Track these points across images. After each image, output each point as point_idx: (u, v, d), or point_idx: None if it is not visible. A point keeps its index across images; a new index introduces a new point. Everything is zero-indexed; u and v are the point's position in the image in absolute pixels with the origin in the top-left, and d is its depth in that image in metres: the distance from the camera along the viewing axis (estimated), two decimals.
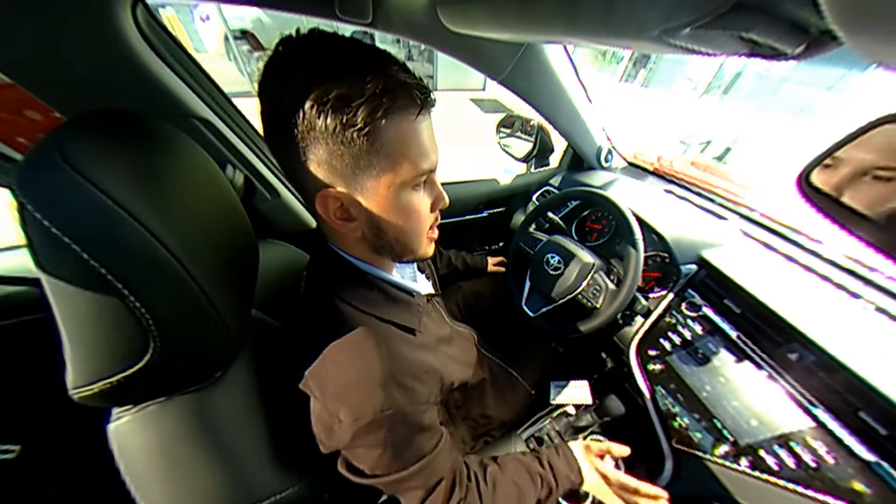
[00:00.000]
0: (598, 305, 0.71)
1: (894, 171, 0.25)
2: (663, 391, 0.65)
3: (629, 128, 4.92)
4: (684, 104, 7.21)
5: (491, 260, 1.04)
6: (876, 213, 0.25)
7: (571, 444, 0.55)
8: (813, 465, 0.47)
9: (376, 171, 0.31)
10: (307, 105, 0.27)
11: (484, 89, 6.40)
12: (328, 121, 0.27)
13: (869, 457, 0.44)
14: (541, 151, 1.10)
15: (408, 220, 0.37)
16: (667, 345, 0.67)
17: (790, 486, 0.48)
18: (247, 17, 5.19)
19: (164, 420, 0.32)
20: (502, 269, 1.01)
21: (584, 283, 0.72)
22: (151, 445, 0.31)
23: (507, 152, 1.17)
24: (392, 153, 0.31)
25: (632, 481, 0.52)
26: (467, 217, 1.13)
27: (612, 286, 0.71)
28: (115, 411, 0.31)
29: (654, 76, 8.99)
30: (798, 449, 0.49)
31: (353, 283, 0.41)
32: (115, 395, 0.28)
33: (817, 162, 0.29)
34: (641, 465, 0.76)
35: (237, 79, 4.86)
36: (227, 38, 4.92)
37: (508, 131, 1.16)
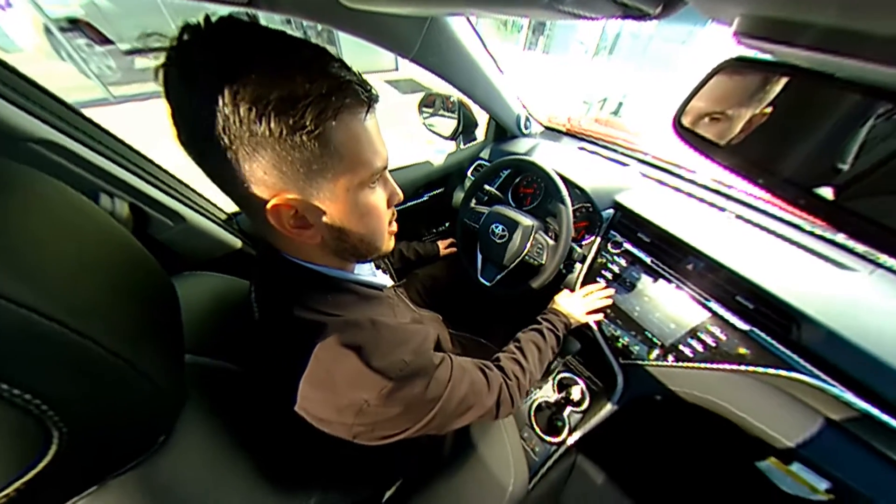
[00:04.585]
0: (543, 262, 0.78)
1: (733, 107, 0.32)
2: (606, 320, 0.76)
3: (539, 93, 5.27)
4: (580, 66, 7.96)
5: (441, 244, 1.05)
6: (724, 141, 0.32)
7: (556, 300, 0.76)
8: (713, 344, 0.61)
9: (332, 174, 0.30)
10: (242, 108, 0.24)
11: (397, 69, 6.15)
12: (272, 125, 0.25)
13: (744, 327, 0.58)
14: (466, 127, 1.12)
15: (369, 219, 0.36)
16: (602, 282, 0.77)
17: (702, 365, 0.63)
18: (72, 1, 3.98)
19: None
20: (454, 249, 1.04)
21: (529, 245, 0.79)
22: None
23: (433, 132, 1.16)
24: (346, 154, 0.30)
25: (588, 289, 0.77)
26: (409, 203, 1.11)
27: (551, 242, 0.79)
28: None
29: (552, 42, 9.66)
30: (703, 336, 0.63)
31: (321, 291, 0.38)
32: None
33: (684, 106, 0.35)
34: (600, 383, 0.89)
35: (83, 83, 3.80)
36: (48, 31, 3.75)
37: (431, 111, 1.15)
